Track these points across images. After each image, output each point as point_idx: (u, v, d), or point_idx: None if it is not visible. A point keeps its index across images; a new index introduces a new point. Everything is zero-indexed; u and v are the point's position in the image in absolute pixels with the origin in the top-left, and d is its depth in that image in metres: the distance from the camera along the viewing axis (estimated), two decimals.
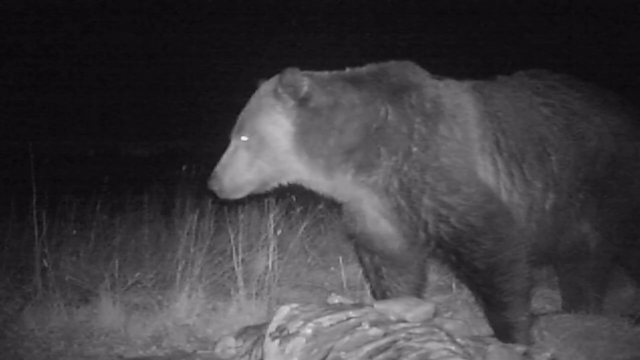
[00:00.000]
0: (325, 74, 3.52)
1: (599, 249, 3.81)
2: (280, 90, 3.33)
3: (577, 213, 3.68)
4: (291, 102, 3.32)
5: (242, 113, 3.48)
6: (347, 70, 3.57)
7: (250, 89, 3.55)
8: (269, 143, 3.35)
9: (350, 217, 3.62)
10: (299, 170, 3.41)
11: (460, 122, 3.43)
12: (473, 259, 3.29)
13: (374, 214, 3.49)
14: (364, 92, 3.41)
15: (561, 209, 3.60)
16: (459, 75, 3.71)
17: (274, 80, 3.44)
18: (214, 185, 3.42)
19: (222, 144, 3.50)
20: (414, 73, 3.56)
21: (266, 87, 3.46)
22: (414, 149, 3.33)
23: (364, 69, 3.57)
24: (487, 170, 3.43)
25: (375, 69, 3.56)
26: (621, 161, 3.70)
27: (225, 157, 3.44)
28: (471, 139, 3.44)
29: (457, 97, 3.52)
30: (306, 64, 3.49)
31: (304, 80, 3.33)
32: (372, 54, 3.86)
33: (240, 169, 3.38)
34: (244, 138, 3.38)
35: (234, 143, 3.44)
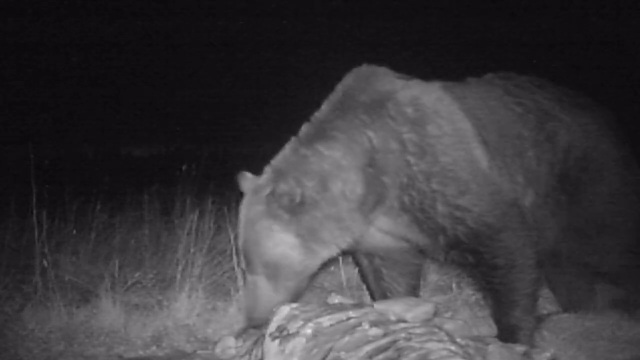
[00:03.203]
0: (288, 152, 3.30)
1: (570, 253, 3.72)
2: (274, 206, 3.15)
3: (551, 212, 3.60)
4: (286, 216, 3.14)
5: (243, 243, 3.29)
6: (304, 127, 3.35)
7: (247, 92, 3.47)
8: (283, 265, 3.19)
9: None
10: (328, 255, 3.28)
11: (445, 115, 3.33)
12: (494, 256, 3.25)
13: (383, 233, 3.42)
14: (339, 139, 3.23)
15: (540, 206, 3.54)
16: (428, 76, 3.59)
17: (261, 194, 3.22)
18: (254, 325, 3.30)
19: (222, 145, 3.47)
20: (378, 80, 3.39)
21: (256, 206, 3.23)
22: (412, 160, 3.23)
23: (323, 110, 3.37)
24: (484, 159, 3.34)
25: (335, 101, 3.37)
26: (592, 157, 3.65)
27: (248, 296, 3.29)
28: (462, 129, 3.35)
29: (433, 92, 3.41)
30: (303, 64, 3.40)
31: (294, 184, 3.13)
32: (361, 54, 3.72)
33: (269, 300, 3.21)
34: (259, 272, 3.23)
35: (250, 278, 3.28)
